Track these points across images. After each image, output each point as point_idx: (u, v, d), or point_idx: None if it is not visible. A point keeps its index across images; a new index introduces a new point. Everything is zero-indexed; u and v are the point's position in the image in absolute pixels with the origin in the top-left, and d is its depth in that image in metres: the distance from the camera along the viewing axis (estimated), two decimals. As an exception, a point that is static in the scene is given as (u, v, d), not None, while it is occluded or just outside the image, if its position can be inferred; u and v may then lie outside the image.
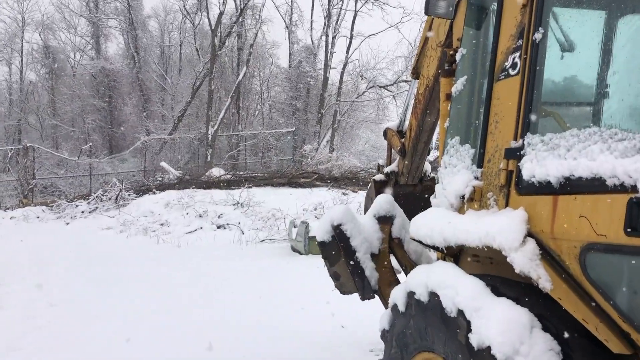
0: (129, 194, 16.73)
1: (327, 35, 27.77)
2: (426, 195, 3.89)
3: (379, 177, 4.28)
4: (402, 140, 3.95)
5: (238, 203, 14.51)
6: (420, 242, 2.84)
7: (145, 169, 23.28)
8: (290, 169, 17.92)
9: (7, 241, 11.71)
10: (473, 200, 2.44)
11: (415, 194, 4.06)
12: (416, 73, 3.76)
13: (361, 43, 28.08)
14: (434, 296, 2.43)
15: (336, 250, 3.59)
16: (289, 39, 30.23)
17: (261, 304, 5.94)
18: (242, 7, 25.30)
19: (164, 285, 6.76)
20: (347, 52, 27.69)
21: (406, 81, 28.15)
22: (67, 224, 15.41)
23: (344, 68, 27.63)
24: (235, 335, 4.89)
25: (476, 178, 2.44)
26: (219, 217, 13.83)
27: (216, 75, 25.31)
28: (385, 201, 3.71)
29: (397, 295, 2.79)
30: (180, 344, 4.69)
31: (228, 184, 16.68)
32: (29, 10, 35.18)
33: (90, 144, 25.14)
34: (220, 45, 24.54)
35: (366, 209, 4.23)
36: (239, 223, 13.26)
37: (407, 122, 3.89)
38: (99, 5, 32.59)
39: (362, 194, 14.26)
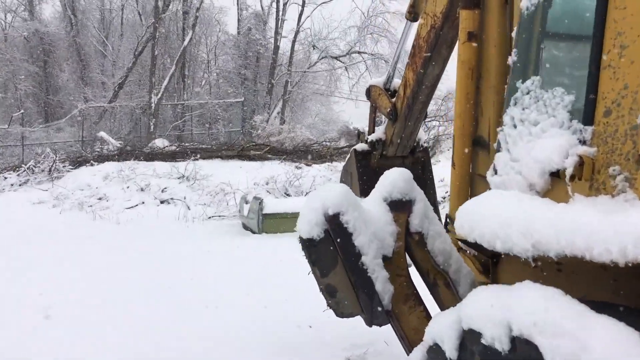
0: (64, 166, 15.47)
1: (277, 2, 26.65)
2: (419, 170, 3.22)
3: (361, 146, 3.39)
4: (393, 100, 3.16)
5: (183, 176, 13.61)
6: (475, 245, 1.92)
7: (82, 139, 21.82)
8: (240, 141, 17.03)
9: None
10: (578, 178, 1.59)
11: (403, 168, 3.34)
12: (414, 13, 3.00)
13: (313, 11, 27.13)
14: (524, 345, 1.51)
15: (331, 252, 2.52)
16: (237, 4, 28.87)
17: (211, 299, 4.98)
18: (188, -33, 23.82)
19: (92, 271, 5.93)
20: (299, 20, 26.71)
21: (359, 52, 27.57)
22: (-6, 197, 14.08)
23: (295, 37, 26.66)
24: (178, 338, 4.10)
25: (582, 142, 1.62)
26: (162, 191, 12.91)
27: (160, 40, 23.86)
28: (400, 178, 2.62)
29: (442, 332, 1.88)
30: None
31: (173, 156, 15.68)
32: (-47, -37, 32.15)
33: (22, 111, 23.35)
34: (164, 8, 23.07)
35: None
36: (185, 198, 12.41)
37: (395, 80, 3.20)
38: (31, -38, 30.19)
39: (316, 168, 13.65)
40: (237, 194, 12.05)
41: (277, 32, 26.46)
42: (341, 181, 3.50)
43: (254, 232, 7.88)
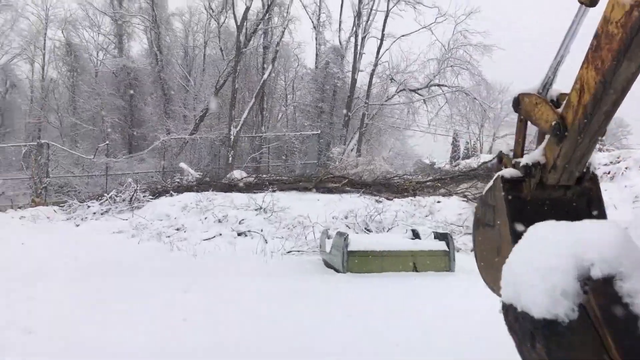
0: (145, 196, 15.60)
1: (356, 36, 26.54)
2: (583, 205, 2.45)
3: (510, 172, 2.54)
4: (560, 110, 2.32)
5: (261, 208, 13.25)
6: None
7: (163, 170, 22.23)
8: (317, 173, 16.60)
9: (6, 244, 10.60)
10: None
11: (563, 202, 2.46)
12: None
13: (392, 44, 26.83)
14: None
15: (591, 344, 1.48)
16: (316, 39, 29.08)
17: (301, 347, 4.09)
18: (269, 3, 24.18)
19: (169, 312, 5.46)
20: (377, 53, 26.46)
21: (438, 85, 26.84)
22: (77, 225, 14.31)
23: (373, 70, 26.37)
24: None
25: None
26: (239, 222, 12.59)
27: (240, 75, 24.20)
28: (613, 239, 1.54)
29: None
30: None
31: (250, 188, 15.45)
32: (53, 7, 34.69)
33: (108, 142, 24.21)
34: (245, 42, 23.44)
35: (479, 223, 2.71)
36: (262, 230, 12.00)
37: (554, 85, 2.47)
38: (122, 3, 31.90)
39: (398, 202, 12.93)
40: (316, 228, 11.52)
41: (354, 66, 26.26)
42: (478, 218, 2.75)
43: (337, 271, 7.23)
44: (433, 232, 8.21)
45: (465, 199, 12.97)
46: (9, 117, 38.12)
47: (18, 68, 39.13)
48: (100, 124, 30.18)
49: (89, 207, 15.56)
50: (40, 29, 35.24)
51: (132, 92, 30.88)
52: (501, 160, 2.75)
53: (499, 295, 1.90)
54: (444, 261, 7.33)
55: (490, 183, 2.60)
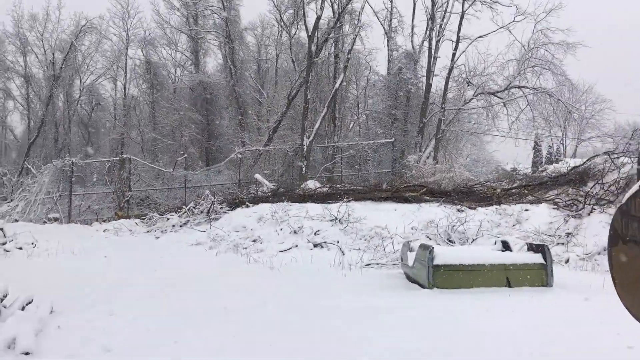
0: (222, 207, 15.70)
1: (430, 40, 25.81)
2: None
3: None
4: None
5: (336, 219, 12.94)
6: None
7: (239, 182, 22.44)
8: (393, 182, 16.07)
9: (91, 256, 10.86)
10: None
11: None
12: None
13: (468, 46, 25.85)
14: None
15: None
16: (388, 45, 28.58)
17: None
18: (340, 11, 24.00)
19: (247, 329, 5.19)
20: (453, 57, 25.54)
21: (519, 87, 25.62)
22: (157, 238, 14.58)
23: (449, 74, 25.48)
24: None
25: None
26: (315, 234, 12.32)
27: (312, 85, 24.11)
28: None
29: None
30: None
31: (324, 198, 15.18)
32: (133, 27, 36.26)
33: (185, 155, 24.80)
34: (316, 52, 23.35)
35: (619, 238, 2.25)
36: (338, 242, 11.67)
37: None
38: (197, 21, 32.83)
39: (482, 211, 12.22)
40: (395, 239, 11.04)
41: (429, 70, 25.53)
42: (618, 233, 2.22)
43: (422, 286, 6.72)
44: (527, 243, 7.51)
45: (556, 207, 12.03)
46: (95, 134, 40.23)
47: (102, 87, 41.29)
48: (179, 138, 31.07)
49: (168, 219, 15.86)
50: (122, 49, 36.94)
51: (208, 106, 31.63)
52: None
53: None
54: (540, 276, 6.65)
55: (636, 188, 2.08)
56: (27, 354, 4.34)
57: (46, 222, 19.58)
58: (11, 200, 20.94)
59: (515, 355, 4.18)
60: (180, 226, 15.31)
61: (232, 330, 5.13)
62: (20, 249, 11.41)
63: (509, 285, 6.58)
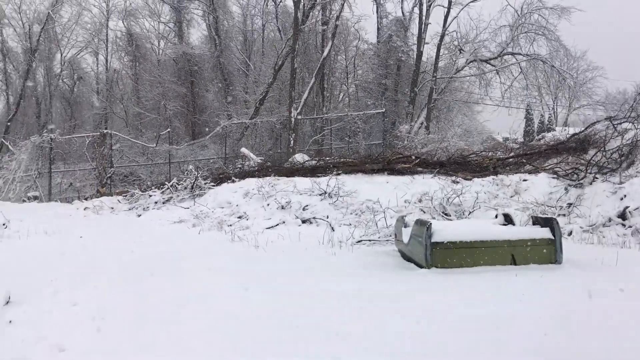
0: (206, 183, 15.02)
1: (420, 5, 24.92)
2: None
3: None
4: None
5: (325, 193, 12.32)
6: None
7: (225, 156, 21.72)
8: (385, 153, 15.44)
9: (65, 237, 10.18)
10: None
11: None
12: None
13: (460, 12, 24.98)
14: None
15: None
16: (377, 12, 27.70)
17: None
18: (327, -24, 23.01)
19: (225, 321, 4.58)
20: (444, 23, 24.69)
21: (512, 53, 24.89)
22: (139, 215, 13.92)
23: (440, 40, 24.65)
24: None
25: None
26: (303, 209, 11.72)
27: (299, 54, 23.22)
28: None
29: None
30: None
31: (313, 171, 14.54)
32: (114, -3, 34.91)
33: (169, 129, 23.98)
34: (303, 19, 22.40)
35: None
36: (328, 217, 11.08)
37: None
38: (180, -10, 31.67)
39: (478, 182, 11.67)
40: (387, 213, 10.46)
41: (420, 38, 24.68)
42: None
43: (419, 266, 6.14)
44: (532, 216, 6.93)
45: (556, 176, 11.47)
46: (77, 109, 39.10)
47: (84, 61, 40.04)
48: (163, 112, 30.17)
49: (150, 196, 15.18)
50: (102, 20, 35.66)
51: (192, 79, 30.67)
52: None
53: None
54: (549, 252, 6.08)
55: None
56: (-38, 359, 3.72)
57: (25, 201, 18.86)
58: (-11, 179, 20.14)
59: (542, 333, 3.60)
60: (163, 203, 14.65)
61: (208, 322, 4.52)
62: (-11, 230, 10.72)
63: (514, 263, 6.01)
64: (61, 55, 37.55)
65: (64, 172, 21.90)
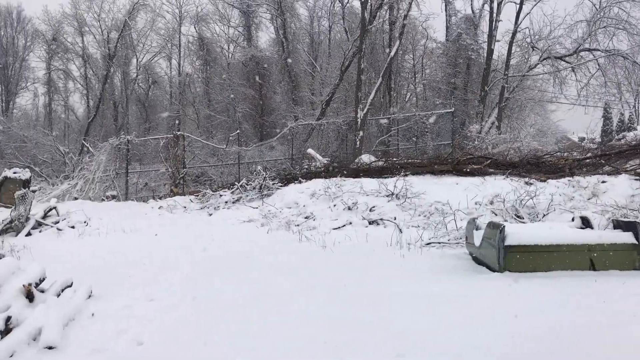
0: (274, 183, 15.26)
1: (491, 2, 24.16)
2: None
3: None
4: None
5: (392, 194, 12.22)
6: None
7: (292, 157, 21.97)
8: (454, 154, 15.11)
9: (141, 235, 10.65)
10: None
11: None
12: None
13: (533, 8, 24.03)
14: None
15: None
16: (446, 10, 27.16)
17: None
18: (394, -25, 22.81)
19: (288, 321, 4.62)
20: (516, 20, 23.82)
21: (589, 50, 23.71)
22: (210, 215, 14.31)
23: (512, 38, 23.82)
24: None
25: None
26: (370, 210, 11.67)
27: (366, 55, 23.15)
28: None
29: None
30: None
31: (380, 172, 14.45)
32: (185, 4, 36.21)
33: (238, 131, 24.52)
34: (370, 19, 22.31)
35: None
36: (395, 218, 10.96)
37: None
38: (249, -5, 32.34)
39: (553, 184, 11.22)
40: (457, 215, 10.23)
41: (490, 35, 23.95)
42: None
43: (491, 269, 5.97)
44: (613, 220, 6.58)
45: (638, 178, 10.83)
46: (152, 112, 40.77)
47: (158, 65, 41.69)
48: (233, 115, 30.91)
49: (221, 195, 15.58)
50: (175, 26, 37.01)
51: (260, 81, 31.24)
52: None
53: None
54: (631, 258, 5.75)
55: None
56: (50, 348, 3.95)
57: (104, 200, 19.83)
58: (72, 179, 21.35)
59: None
60: (233, 202, 15.00)
61: (273, 322, 4.58)
62: (73, 227, 11.36)
63: (593, 268, 5.73)
64: (137, 60, 39.33)
65: (140, 173, 22.90)
